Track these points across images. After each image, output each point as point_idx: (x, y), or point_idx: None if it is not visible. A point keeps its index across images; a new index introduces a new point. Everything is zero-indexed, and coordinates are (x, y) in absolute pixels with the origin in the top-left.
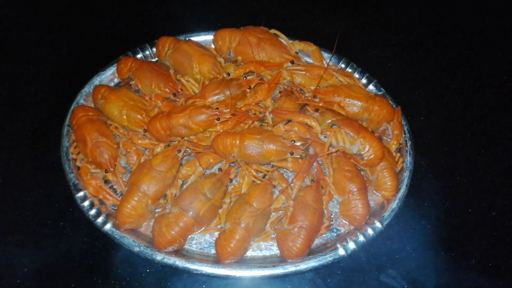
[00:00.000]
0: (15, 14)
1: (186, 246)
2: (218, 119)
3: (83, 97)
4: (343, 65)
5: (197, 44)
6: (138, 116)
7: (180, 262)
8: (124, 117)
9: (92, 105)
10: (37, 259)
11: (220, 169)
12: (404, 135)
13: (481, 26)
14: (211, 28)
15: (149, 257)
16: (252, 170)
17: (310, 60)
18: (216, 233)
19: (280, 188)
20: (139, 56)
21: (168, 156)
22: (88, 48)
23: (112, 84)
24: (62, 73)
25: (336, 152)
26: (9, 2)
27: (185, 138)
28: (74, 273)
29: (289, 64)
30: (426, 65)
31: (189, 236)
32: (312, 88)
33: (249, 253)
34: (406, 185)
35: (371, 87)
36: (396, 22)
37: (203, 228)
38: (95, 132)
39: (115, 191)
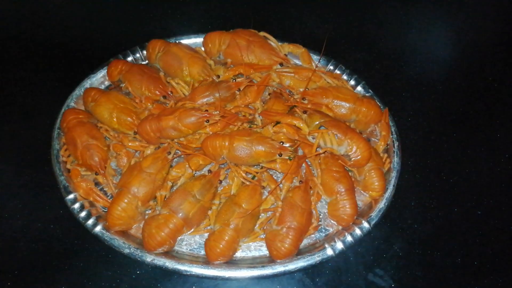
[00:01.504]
0: (4, 16)
1: (176, 248)
2: (207, 121)
3: (74, 100)
4: (331, 67)
5: (187, 46)
6: (128, 118)
7: (170, 263)
8: (115, 119)
9: (82, 108)
10: (28, 261)
11: (209, 171)
12: (391, 136)
13: (467, 27)
14: (201, 30)
15: (139, 259)
16: (241, 172)
17: (299, 62)
18: (206, 234)
19: (269, 189)
20: (129, 59)
21: (158, 158)
22: (79, 50)
23: (102, 86)
24: (53, 75)
25: (324, 153)
26: None
27: (175, 140)
28: (65, 275)
29: (278, 66)
30: (413, 67)
31: (179, 238)
32: (301, 90)
33: (239, 254)
34: (393, 185)
35: (359, 88)
36: (383, 25)
37: (192, 230)
38: (85, 135)
39: (105, 193)
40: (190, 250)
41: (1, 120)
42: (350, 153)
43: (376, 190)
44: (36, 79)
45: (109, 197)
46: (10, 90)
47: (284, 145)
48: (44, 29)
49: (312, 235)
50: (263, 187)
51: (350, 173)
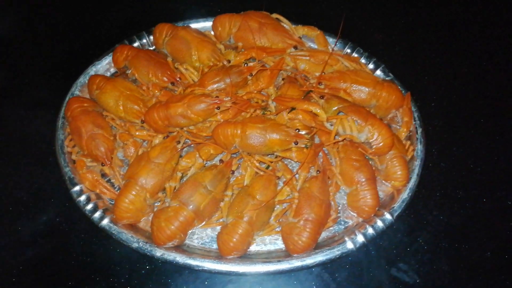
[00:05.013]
0: (8, 4)
1: (187, 242)
2: (218, 108)
3: (78, 88)
4: (349, 50)
5: (196, 30)
6: (135, 106)
7: (180, 258)
8: (121, 107)
9: (87, 96)
10: (33, 256)
11: (221, 161)
12: (414, 122)
13: (493, 5)
14: (210, 14)
15: (148, 253)
16: (255, 161)
17: (314, 45)
18: (218, 228)
19: (284, 179)
20: (135, 44)
21: (166, 147)
22: (83, 37)
23: (108, 74)
24: (57, 63)
25: (343, 140)
26: None
27: (184, 129)
28: (71, 271)
29: (292, 49)
30: (436, 48)
31: (190, 231)
32: (317, 74)
33: (253, 248)
34: (417, 175)
35: (378, 72)
36: (403, 4)
37: (204, 223)
38: (91, 124)
39: (112, 185)
40: (201, 244)
41: (4, 109)
42: (371, 141)
43: (399, 180)
44: (40, 67)
45: (116, 189)
46: (13, 78)
47: (300, 132)
48: (48, 15)
49: (331, 228)
50: (278, 178)
51: (370, 162)
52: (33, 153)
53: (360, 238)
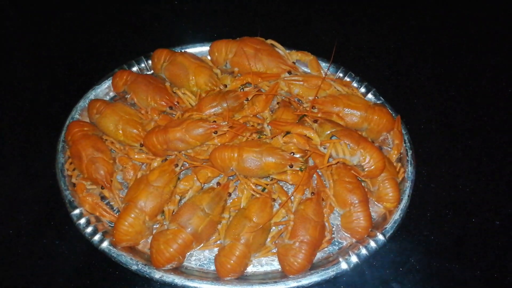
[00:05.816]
0: (8, 28)
1: (185, 263)
2: (215, 132)
3: (78, 112)
4: (341, 74)
5: (193, 56)
6: (134, 130)
7: (179, 280)
8: (120, 131)
9: (87, 120)
10: (32, 279)
11: (218, 183)
12: (404, 145)
13: (480, 31)
14: (206, 39)
15: (147, 276)
16: (251, 184)
17: (307, 70)
18: (216, 249)
19: (280, 201)
20: (134, 69)
21: (165, 171)
22: (83, 61)
23: (107, 98)
24: (57, 87)
25: (336, 163)
26: (2, 16)
27: (182, 152)
28: None
29: (287, 74)
30: (425, 72)
31: (188, 253)
32: (310, 98)
33: (250, 269)
34: (408, 196)
35: (370, 96)
36: (393, 30)
37: (202, 245)
38: (91, 148)
39: (111, 207)
40: (199, 265)
41: (4, 132)
42: (363, 164)
43: (390, 201)
44: (40, 91)
45: (115, 212)
46: (14, 102)
47: (294, 156)
48: (47, 40)
49: (326, 249)
50: (274, 200)
51: (363, 184)
52: (33, 176)
53: (354, 259)
